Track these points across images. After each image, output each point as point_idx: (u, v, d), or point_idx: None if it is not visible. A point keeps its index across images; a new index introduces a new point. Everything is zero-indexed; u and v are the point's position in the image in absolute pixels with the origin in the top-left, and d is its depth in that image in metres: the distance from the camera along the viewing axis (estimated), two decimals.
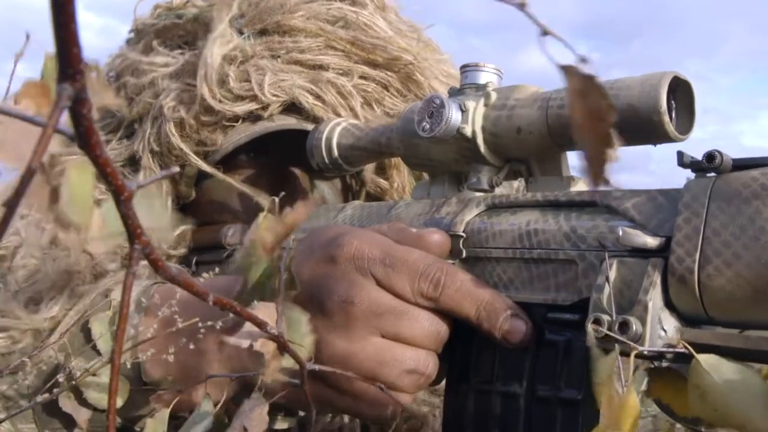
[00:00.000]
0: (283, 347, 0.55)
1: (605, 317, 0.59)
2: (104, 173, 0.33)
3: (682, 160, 0.60)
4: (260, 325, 0.53)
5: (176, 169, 0.51)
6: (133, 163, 1.09)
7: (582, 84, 0.32)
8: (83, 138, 0.31)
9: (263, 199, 1.01)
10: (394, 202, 0.86)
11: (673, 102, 0.66)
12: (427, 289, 0.67)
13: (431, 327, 0.68)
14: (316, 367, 0.60)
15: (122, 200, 0.34)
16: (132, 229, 0.35)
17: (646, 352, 0.57)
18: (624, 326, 0.58)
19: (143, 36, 1.18)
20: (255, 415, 0.59)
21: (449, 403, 0.73)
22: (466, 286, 0.67)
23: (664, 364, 0.61)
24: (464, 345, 0.72)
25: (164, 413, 0.65)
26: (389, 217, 0.82)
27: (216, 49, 1.03)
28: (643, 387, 0.63)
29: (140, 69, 1.12)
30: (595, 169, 0.35)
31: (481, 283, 0.69)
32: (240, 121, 1.05)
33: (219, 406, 0.64)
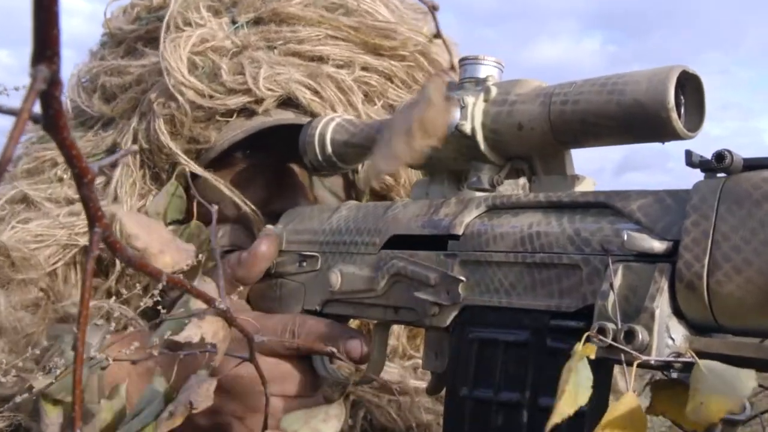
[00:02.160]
0: (230, 322, 0.58)
1: (610, 326, 0.59)
2: (69, 156, 0.34)
3: (691, 160, 0.59)
4: (208, 301, 0.55)
5: (134, 148, 0.54)
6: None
7: (435, 96, 0.34)
8: (52, 120, 0.32)
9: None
10: (391, 202, 0.86)
11: (681, 97, 0.66)
12: (287, 342, 0.82)
13: (293, 379, 0.84)
14: (264, 338, 0.64)
15: (85, 183, 0.35)
16: (93, 212, 0.36)
17: (652, 362, 0.57)
18: (629, 335, 0.57)
19: (121, 41, 1.18)
20: (202, 391, 0.62)
21: (449, 413, 0.73)
22: (313, 329, 0.83)
23: (673, 374, 0.61)
24: (463, 353, 0.72)
25: (121, 390, 0.68)
26: (385, 218, 0.82)
27: (169, 54, 1.03)
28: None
29: (125, 71, 1.13)
30: (383, 168, 0.38)
31: (323, 321, 0.84)
32: (234, 115, 1.04)
33: (170, 383, 0.67)
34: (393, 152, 0.44)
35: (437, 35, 0.41)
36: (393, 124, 0.46)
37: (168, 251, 0.69)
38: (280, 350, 0.82)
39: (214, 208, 0.77)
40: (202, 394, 0.64)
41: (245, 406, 0.82)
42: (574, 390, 0.55)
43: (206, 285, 0.68)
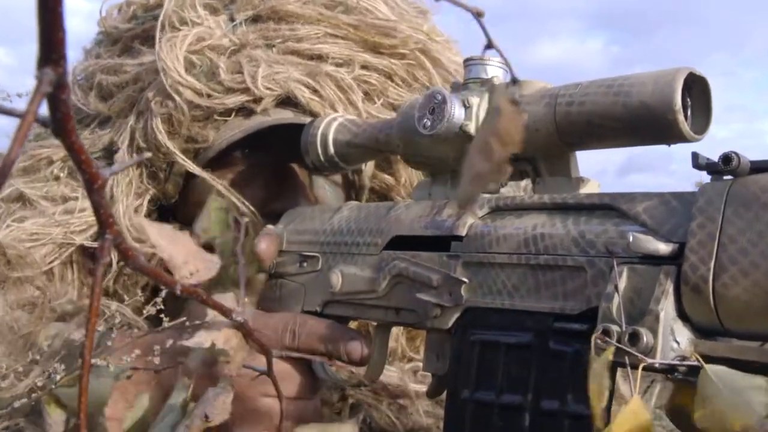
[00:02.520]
0: (248, 335, 0.58)
1: (614, 328, 0.59)
2: (78, 161, 0.33)
3: (697, 162, 0.60)
4: (226, 313, 0.55)
5: (147, 154, 0.53)
6: (109, 155, 1.09)
7: (503, 103, 0.34)
8: (60, 124, 0.32)
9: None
10: (393, 203, 0.86)
11: (688, 100, 0.66)
12: (288, 341, 0.82)
13: (293, 381, 0.83)
14: (283, 353, 0.64)
15: (95, 188, 0.35)
16: (104, 218, 0.35)
17: (657, 365, 0.57)
18: (634, 338, 0.58)
19: (117, 39, 1.18)
20: (218, 403, 0.62)
21: (450, 416, 0.74)
22: (314, 330, 0.83)
23: (679, 377, 0.61)
24: (465, 356, 0.72)
25: (143, 399, 0.68)
26: (388, 219, 0.82)
27: (166, 54, 1.03)
28: (653, 402, 0.63)
29: (121, 69, 1.13)
30: (471, 190, 0.38)
31: (323, 322, 0.84)
32: (232, 114, 1.04)
33: (189, 393, 0.67)
34: (477, 173, 0.45)
35: (489, 45, 0.41)
36: (470, 147, 0.47)
37: (192, 261, 0.69)
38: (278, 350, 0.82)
39: (244, 219, 0.78)
40: (218, 406, 0.64)
41: (243, 407, 0.82)
42: (601, 394, 0.55)
43: (222, 295, 0.67)
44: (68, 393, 0.73)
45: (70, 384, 0.72)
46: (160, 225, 0.90)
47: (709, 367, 0.54)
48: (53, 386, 0.73)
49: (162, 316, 0.74)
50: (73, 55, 1.29)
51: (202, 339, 0.63)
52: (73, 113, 0.32)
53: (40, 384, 0.75)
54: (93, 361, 0.71)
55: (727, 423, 0.51)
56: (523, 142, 0.73)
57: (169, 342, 0.69)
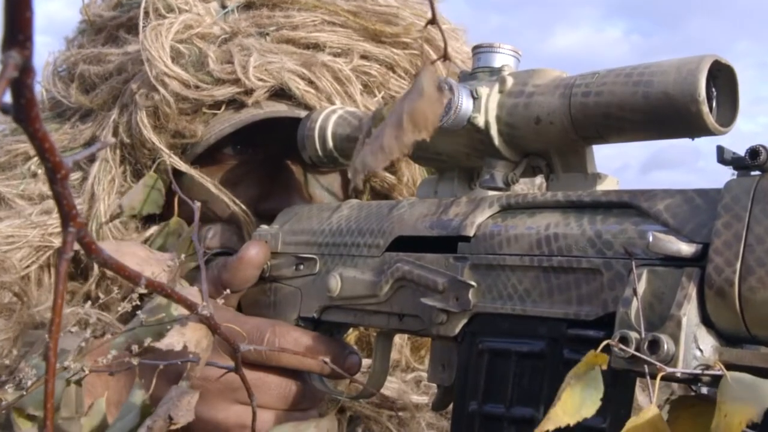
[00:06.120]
0: (213, 329, 0.58)
1: (633, 335, 0.59)
2: (41, 149, 0.34)
3: (723, 156, 0.60)
4: (190, 307, 0.56)
5: (112, 140, 0.54)
6: None
7: (428, 86, 0.35)
8: (23, 110, 0.32)
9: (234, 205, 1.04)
10: (396, 201, 0.86)
11: (713, 90, 0.66)
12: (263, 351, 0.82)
13: (280, 391, 0.84)
14: (251, 347, 0.68)
15: (58, 178, 0.35)
16: (67, 211, 0.36)
17: (679, 374, 0.57)
18: (654, 345, 0.58)
19: (101, 28, 1.19)
20: (183, 404, 0.62)
21: (456, 429, 0.74)
22: (301, 342, 0.84)
23: (703, 389, 0.61)
24: (473, 365, 0.72)
25: (100, 405, 0.68)
26: (390, 218, 0.82)
27: (150, 42, 1.04)
28: None
29: (105, 59, 1.13)
30: (369, 163, 0.39)
31: (308, 333, 0.86)
32: (222, 108, 1.05)
33: (147, 394, 0.67)
34: (381, 147, 0.45)
35: (432, 20, 0.42)
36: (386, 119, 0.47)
37: (147, 267, 0.70)
38: (250, 360, 0.81)
39: (197, 205, 0.78)
40: (183, 407, 0.64)
41: (214, 414, 0.81)
42: (579, 399, 0.55)
43: (189, 289, 0.68)
44: (38, 401, 0.74)
45: (38, 392, 0.73)
46: (103, 243, 0.91)
47: (731, 374, 0.55)
48: (23, 393, 0.74)
49: (138, 312, 0.75)
50: (54, 43, 1.30)
51: (173, 340, 0.63)
52: (37, 98, 0.32)
53: (11, 392, 0.75)
54: (66, 364, 0.71)
55: (735, 422, 0.51)
56: (536, 136, 0.74)
57: (147, 341, 0.69)
